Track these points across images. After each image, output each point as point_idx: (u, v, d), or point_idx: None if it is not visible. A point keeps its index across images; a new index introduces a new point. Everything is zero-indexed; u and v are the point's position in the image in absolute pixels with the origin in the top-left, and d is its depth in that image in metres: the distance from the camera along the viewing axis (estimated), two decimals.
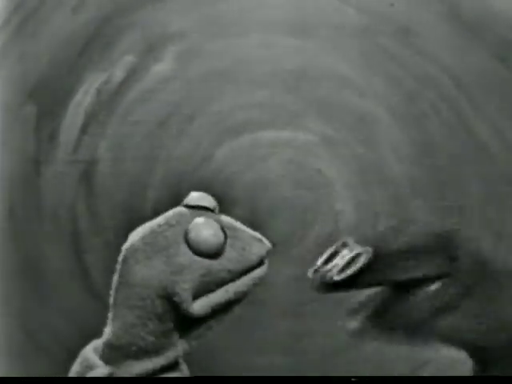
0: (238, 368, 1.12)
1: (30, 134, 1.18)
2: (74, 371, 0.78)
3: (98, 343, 0.78)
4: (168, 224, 0.75)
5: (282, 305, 1.14)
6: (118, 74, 1.16)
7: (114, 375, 0.74)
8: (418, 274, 0.76)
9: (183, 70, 1.16)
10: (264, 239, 0.77)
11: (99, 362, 0.75)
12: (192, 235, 0.74)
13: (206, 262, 0.74)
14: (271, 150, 1.14)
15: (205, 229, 0.74)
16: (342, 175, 1.13)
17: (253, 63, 1.15)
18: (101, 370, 0.75)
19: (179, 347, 0.76)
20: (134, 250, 0.75)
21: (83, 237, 1.17)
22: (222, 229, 0.75)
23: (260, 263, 0.76)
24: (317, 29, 1.14)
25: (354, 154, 1.13)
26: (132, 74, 1.16)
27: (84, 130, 1.17)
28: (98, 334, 1.12)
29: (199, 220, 0.74)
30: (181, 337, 0.76)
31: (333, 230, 1.14)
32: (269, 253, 0.76)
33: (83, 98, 1.17)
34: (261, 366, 1.13)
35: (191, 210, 0.77)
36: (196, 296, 0.74)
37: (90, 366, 0.76)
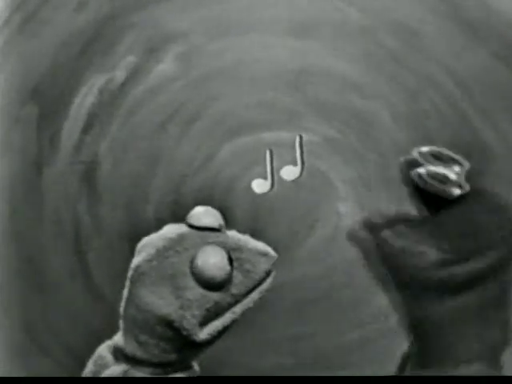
0: (238, 368, 1.12)
1: (32, 135, 1.18)
2: (89, 369, 0.78)
3: (111, 343, 0.78)
4: (174, 250, 0.74)
5: (284, 306, 1.14)
6: (120, 74, 1.16)
7: (129, 374, 0.75)
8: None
9: (184, 71, 1.15)
10: (270, 250, 0.76)
11: (114, 361, 0.75)
12: (199, 270, 0.73)
13: (214, 295, 0.73)
14: (273, 151, 1.14)
15: (211, 263, 0.72)
16: (343, 176, 1.13)
17: (254, 63, 1.15)
18: (116, 369, 0.75)
19: (195, 358, 0.76)
20: (140, 272, 0.75)
21: (85, 238, 1.17)
22: (229, 256, 0.74)
23: (267, 274, 0.76)
24: (317, 29, 1.14)
25: (355, 154, 1.13)
26: (133, 75, 1.16)
27: (86, 130, 1.17)
28: (99, 333, 1.12)
29: (205, 254, 0.73)
30: (194, 352, 0.76)
31: (335, 231, 1.14)
32: (274, 263, 0.76)
33: (85, 99, 1.17)
34: (261, 366, 1.13)
35: (196, 232, 0.76)
36: (204, 324, 0.74)
37: (104, 365, 0.76)
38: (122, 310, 0.77)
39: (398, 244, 0.82)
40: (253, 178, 1.14)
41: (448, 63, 1.13)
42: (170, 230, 0.76)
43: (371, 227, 0.82)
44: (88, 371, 0.78)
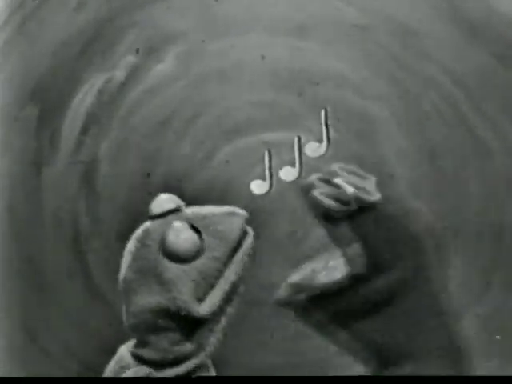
0: (238, 368, 1.12)
1: (31, 135, 1.18)
2: (111, 370, 0.78)
3: (131, 346, 0.78)
4: (144, 245, 0.76)
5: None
6: (120, 74, 1.16)
7: (151, 375, 0.75)
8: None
9: (184, 71, 1.15)
10: (237, 210, 0.77)
11: (136, 363, 0.76)
12: (169, 249, 0.74)
13: (193, 265, 0.74)
14: (272, 151, 1.14)
15: (178, 238, 0.74)
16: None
17: (254, 64, 1.15)
18: (139, 370, 0.75)
19: (207, 345, 0.77)
20: (127, 282, 0.76)
21: (84, 238, 1.17)
22: (193, 226, 0.75)
23: (244, 234, 0.77)
24: (317, 29, 1.14)
25: (354, 154, 1.13)
26: (133, 75, 1.16)
27: (85, 130, 1.17)
28: (98, 333, 1.12)
29: (170, 231, 0.74)
30: (205, 335, 0.76)
31: None
32: (246, 220, 0.77)
33: (84, 99, 1.17)
34: (261, 366, 1.13)
35: (159, 221, 0.77)
36: (201, 297, 0.74)
37: (126, 366, 0.76)
38: (125, 323, 0.77)
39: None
40: (252, 179, 1.14)
41: (448, 63, 1.13)
42: (138, 230, 0.78)
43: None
44: (110, 370, 0.78)
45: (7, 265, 1.19)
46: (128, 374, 0.75)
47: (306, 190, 0.77)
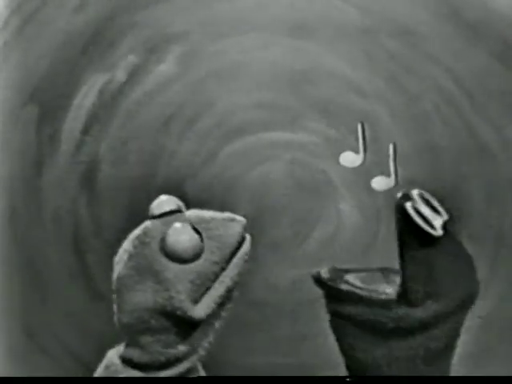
0: (238, 368, 1.12)
1: (32, 135, 1.18)
2: (100, 374, 0.77)
3: (121, 349, 0.77)
4: (143, 243, 0.75)
5: (284, 306, 1.14)
6: (120, 74, 1.16)
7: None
8: None
9: (185, 71, 1.16)
10: (236, 216, 0.77)
11: (128, 368, 0.75)
12: (169, 248, 0.74)
13: (192, 266, 0.74)
14: (273, 151, 1.14)
15: (179, 238, 0.74)
16: (344, 176, 1.13)
17: (254, 64, 1.15)
18: (132, 374, 0.75)
19: (200, 348, 0.76)
20: (121, 278, 0.76)
21: (84, 238, 1.17)
22: (194, 228, 0.75)
23: (241, 240, 0.77)
24: (318, 29, 1.14)
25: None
26: (134, 75, 1.16)
27: (86, 130, 1.17)
28: (98, 334, 1.12)
29: (171, 231, 0.74)
30: (198, 337, 0.76)
31: (335, 230, 1.14)
32: (245, 227, 0.77)
33: (85, 99, 1.17)
34: (261, 366, 1.13)
35: (159, 220, 0.77)
36: (196, 299, 0.74)
37: (116, 371, 0.76)
38: (117, 323, 0.77)
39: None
40: (254, 178, 1.14)
41: (448, 64, 1.13)
42: (135, 230, 0.78)
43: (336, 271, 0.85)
44: (99, 375, 0.78)
45: (8, 265, 1.19)
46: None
47: (401, 198, 0.78)
